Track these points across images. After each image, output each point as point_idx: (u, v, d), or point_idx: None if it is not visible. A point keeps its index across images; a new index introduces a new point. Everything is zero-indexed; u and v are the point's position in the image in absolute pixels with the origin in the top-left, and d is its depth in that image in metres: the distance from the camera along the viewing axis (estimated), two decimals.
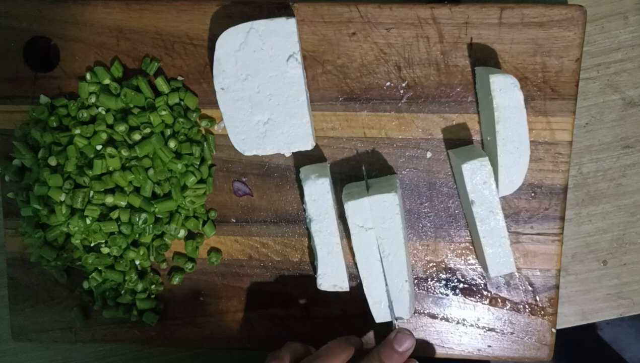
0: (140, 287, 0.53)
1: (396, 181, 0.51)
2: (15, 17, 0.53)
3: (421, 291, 0.54)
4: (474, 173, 0.48)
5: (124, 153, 0.50)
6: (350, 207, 0.48)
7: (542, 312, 0.53)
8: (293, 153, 0.53)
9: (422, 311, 0.54)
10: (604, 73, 0.57)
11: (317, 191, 0.49)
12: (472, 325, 0.54)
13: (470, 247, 0.53)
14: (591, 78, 0.57)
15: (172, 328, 0.55)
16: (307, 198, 0.49)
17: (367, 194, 0.49)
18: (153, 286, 0.54)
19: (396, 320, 0.50)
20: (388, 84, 0.52)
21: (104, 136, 0.50)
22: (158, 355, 0.62)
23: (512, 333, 0.54)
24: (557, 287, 0.53)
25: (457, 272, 0.54)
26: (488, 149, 0.51)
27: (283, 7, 0.51)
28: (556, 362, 1.00)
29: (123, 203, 0.51)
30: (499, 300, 0.53)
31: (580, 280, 0.59)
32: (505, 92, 0.47)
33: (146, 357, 0.62)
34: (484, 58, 0.51)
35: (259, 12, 0.51)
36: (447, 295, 0.54)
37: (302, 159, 0.53)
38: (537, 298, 0.53)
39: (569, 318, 0.59)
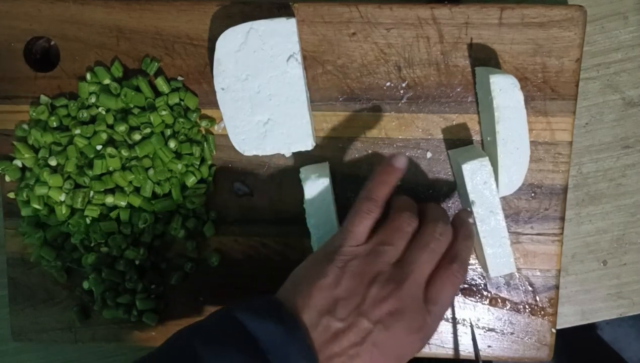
0: (140, 287, 0.53)
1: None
2: (15, 17, 0.53)
3: None
4: (474, 173, 0.48)
5: (124, 153, 0.50)
6: None
7: (542, 312, 0.53)
8: (293, 153, 0.53)
9: None
10: (604, 73, 0.57)
11: (317, 191, 0.49)
12: (472, 325, 0.54)
13: None
14: (591, 78, 0.57)
15: (172, 328, 0.55)
16: (307, 197, 0.49)
17: None
18: (153, 286, 0.54)
19: None
20: (388, 84, 0.52)
21: (104, 136, 0.50)
22: None
23: (512, 333, 0.54)
24: (557, 287, 0.53)
25: None
26: (488, 149, 0.51)
27: (283, 7, 0.51)
28: (556, 362, 1.00)
29: (123, 203, 0.51)
30: (499, 300, 0.54)
31: (580, 280, 0.59)
32: (505, 92, 0.47)
33: None
34: (484, 58, 0.51)
35: (259, 12, 0.51)
36: None
37: (302, 158, 0.53)
38: (537, 298, 0.53)
39: (569, 318, 0.59)
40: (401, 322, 0.41)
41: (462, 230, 0.45)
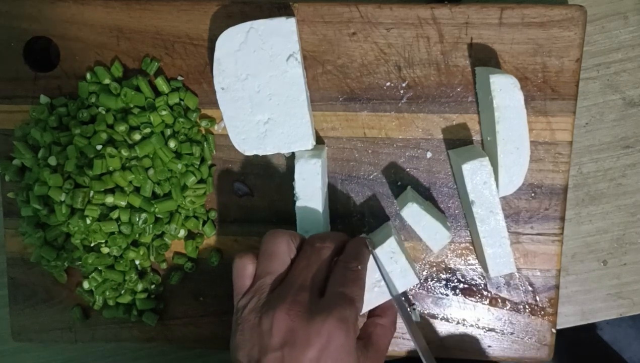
0: (140, 287, 0.53)
1: (391, 227, 0.49)
2: (15, 17, 0.53)
3: (421, 291, 0.54)
4: (474, 173, 0.48)
5: (124, 153, 0.50)
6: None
7: (542, 312, 0.53)
8: (293, 153, 0.53)
9: (422, 311, 0.54)
10: (604, 73, 0.57)
11: (309, 171, 0.49)
12: (472, 325, 0.54)
13: (470, 247, 0.53)
14: (591, 78, 0.57)
15: (172, 328, 0.55)
16: (297, 176, 0.49)
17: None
18: (153, 286, 0.54)
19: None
20: (388, 84, 0.52)
21: (104, 136, 0.50)
22: (158, 355, 0.62)
23: (512, 333, 0.54)
24: (557, 287, 0.53)
25: (457, 272, 0.54)
26: (488, 149, 0.51)
27: (283, 7, 0.51)
28: (556, 362, 1.00)
29: (123, 203, 0.51)
30: (499, 300, 0.54)
31: (580, 280, 0.59)
32: (505, 92, 0.47)
33: (146, 357, 0.62)
34: (484, 58, 0.51)
35: (259, 12, 0.51)
36: (447, 295, 0.54)
37: None
38: (537, 298, 0.53)
39: (569, 318, 0.59)
40: None
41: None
